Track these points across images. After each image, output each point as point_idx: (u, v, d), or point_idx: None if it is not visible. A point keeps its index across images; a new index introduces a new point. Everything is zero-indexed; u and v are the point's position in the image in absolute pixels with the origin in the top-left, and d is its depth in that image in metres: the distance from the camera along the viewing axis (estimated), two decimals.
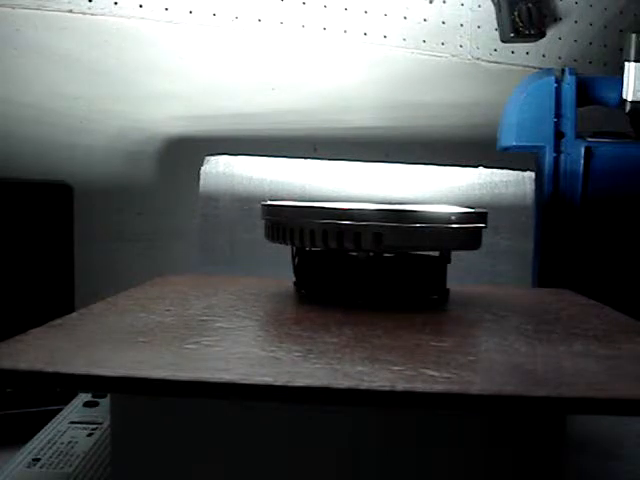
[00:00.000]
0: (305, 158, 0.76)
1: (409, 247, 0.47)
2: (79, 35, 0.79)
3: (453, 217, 0.46)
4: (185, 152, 0.83)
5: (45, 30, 0.78)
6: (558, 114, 0.77)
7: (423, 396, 0.28)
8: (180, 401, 0.34)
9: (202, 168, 0.73)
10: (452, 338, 0.39)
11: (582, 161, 0.76)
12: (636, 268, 0.76)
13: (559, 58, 0.93)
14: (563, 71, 0.79)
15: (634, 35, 0.77)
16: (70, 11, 0.78)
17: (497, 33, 0.90)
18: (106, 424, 0.47)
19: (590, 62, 0.94)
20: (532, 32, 0.88)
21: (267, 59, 0.86)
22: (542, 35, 0.89)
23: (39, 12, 0.78)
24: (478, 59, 0.91)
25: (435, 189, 0.75)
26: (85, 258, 0.77)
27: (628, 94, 0.76)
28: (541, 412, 0.34)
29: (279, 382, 0.28)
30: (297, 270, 0.51)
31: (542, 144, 0.77)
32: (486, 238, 0.49)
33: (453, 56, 0.90)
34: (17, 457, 0.42)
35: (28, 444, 0.44)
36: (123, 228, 0.84)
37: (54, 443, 0.44)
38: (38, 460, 0.42)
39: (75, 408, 0.51)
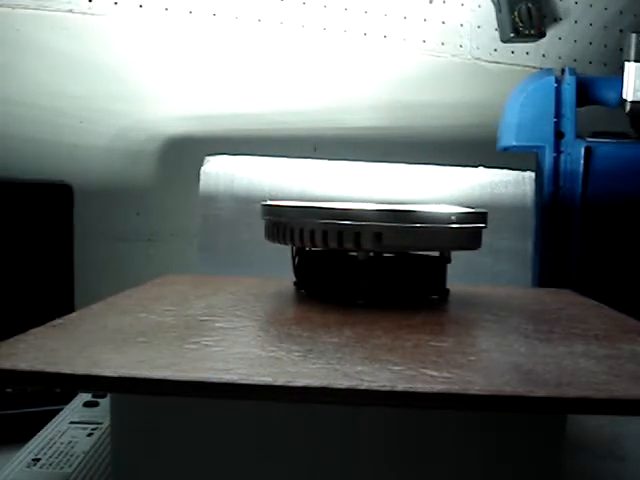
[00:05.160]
0: (305, 158, 0.76)
1: (409, 247, 0.47)
2: (79, 35, 0.79)
3: (453, 217, 0.46)
4: (185, 152, 0.83)
5: (45, 30, 0.78)
6: (558, 114, 0.77)
7: (423, 396, 0.28)
8: (180, 401, 0.34)
9: (202, 168, 0.73)
10: (452, 338, 0.39)
11: (582, 161, 0.76)
12: (636, 268, 0.76)
13: (559, 58, 0.93)
14: (563, 71, 0.79)
15: (634, 35, 0.77)
16: (70, 11, 0.79)
17: (497, 33, 0.90)
18: (106, 424, 0.47)
19: (590, 62, 0.94)
20: (532, 32, 0.88)
21: (267, 59, 0.86)
22: (542, 35, 0.89)
23: (39, 12, 0.78)
24: (478, 59, 0.91)
25: (435, 189, 0.75)
26: (85, 258, 0.77)
27: (628, 94, 0.76)
28: (541, 412, 0.34)
29: (279, 382, 0.28)
30: (297, 270, 0.51)
31: (542, 144, 0.77)
32: (486, 238, 0.49)
33: (453, 56, 0.90)
34: (17, 457, 0.42)
35: (28, 444, 0.44)
36: (123, 228, 0.84)
37: (54, 443, 0.44)
38: (38, 460, 0.42)
39: (75, 408, 0.51)
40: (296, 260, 0.51)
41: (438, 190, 0.75)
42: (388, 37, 0.88)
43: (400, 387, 0.28)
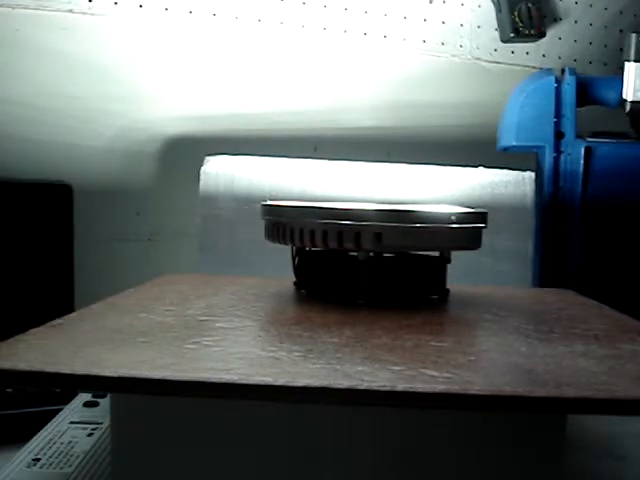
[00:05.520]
0: (305, 158, 0.76)
1: (409, 247, 0.47)
2: (79, 35, 0.79)
3: (453, 217, 0.46)
4: (185, 152, 0.83)
5: (45, 30, 0.78)
6: (558, 114, 0.77)
7: (423, 396, 0.28)
8: (180, 401, 0.34)
9: (202, 168, 0.73)
10: (452, 338, 0.39)
11: (582, 161, 0.76)
12: (636, 268, 0.76)
13: (559, 58, 0.93)
14: (563, 71, 0.79)
15: (634, 35, 0.77)
16: (70, 11, 0.78)
17: (497, 33, 0.90)
18: (106, 424, 0.47)
19: (590, 62, 0.94)
20: (532, 32, 0.88)
21: (267, 59, 0.86)
22: (542, 35, 0.89)
23: (39, 12, 0.78)
24: (478, 59, 0.91)
25: (435, 189, 0.75)
26: (85, 258, 0.77)
27: (628, 94, 0.76)
28: (541, 412, 0.34)
29: (279, 382, 0.28)
30: (297, 270, 0.51)
31: (542, 144, 0.77)
32: (486, 238, 0.49)
33: (453, 56, 0.90)
34: (17, 457, 0.42)
35: (28, 444, 0.44)
36: (123, 228, 0.84)
37: (54, 443, 0.44)
38: (38, 460, 0.42)
39: (75, 408, 0.51)
40: (296, 260, 0.51)
41: (438, 190, 0.75)
42: (388, 37, 0.88)
43: (400, 387, 0.28)
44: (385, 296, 0.47)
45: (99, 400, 0.52)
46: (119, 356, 0.32)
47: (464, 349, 0.37)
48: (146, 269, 0.83)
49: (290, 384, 0.28)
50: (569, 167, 0.76)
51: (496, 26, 0.90)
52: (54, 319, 0.39)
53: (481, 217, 0.48)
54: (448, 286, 0.50)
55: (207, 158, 0.74)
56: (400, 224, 0.44)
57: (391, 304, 0.46)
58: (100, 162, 0.82)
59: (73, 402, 0.52)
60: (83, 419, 0.49)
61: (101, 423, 0.48)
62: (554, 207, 0.77)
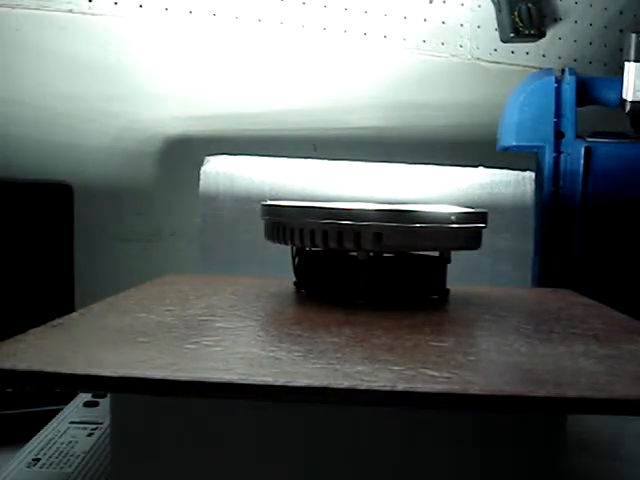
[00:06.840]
0: (305, 158, 0.76)
1: (409, 247, 0.47)
2: (79, 35, 0.79)
3: (453, 217, 0.46)
4: (185, 152, 0.83)
5: (45, 30, 0.78)
6: (558, 114, 0.77)
7: (423, 396, 0.28)
8: (180, 401, 0.34)
9: (202, 168, 0.73)
10: (452, 338, 0.39)
11: (582, 161, 0.76)
12: (636, 268, 0.76)
13: (559, 58, 0.93)
14: (563, 71, 0.79)
15: (634, 35, 0.77)
16: (70, 11, 0.79)
17: (497, 33, 0.90)
18: (106, 424, 0.47)
19: (590, 62, 0.94)
20: (532, 32, 0.88)
21: (267, 59, 0.86)
22: (542, 35, 0.89)
23: (39, 12, 0.78)
24: (478, 59, 0.91)
25: (435, 189, 0.75)
26: (85, 258, 0.77)
27: (628, 94, 0.76)
28: (541, 412, 0.34)
29: (279, 382, 0.28)
30: (297, 270, 0.51)
31: (542, 144, 0.77)
32: (486, 238, 0.49)
33: (453, 56, 0.90)
34: (17, 457, 0.42)
35: (28, 444, 0.44)
36: (123, 228, 0.84)
37: (54, 443, 0.44)
38: (38, 460, 0.42)
39: (75, 408, 0.51)
40: (296, 260, 0.51)
41: (438, 190, 0.75)
42: (388, 37, 0.88)
43: (400, 387, 0.28)
44: (385, 296, 0.47)
45: (99, 400, 0.52)
46: (119, 356, 0.32)
47: (464, 349, 0.37)
48: (146, 269, 0.83)
49: (290, 384, 0.28)
50: (569, 167, 0.76)
51: (496, 26, 0.90)
52: (54, 319, 0.39)
53: (481, 217, 0.48)
54: (448, 286, 0.50)
55: (207, 158, 0.74)
56: (400, 224, 0.44)
57: (391, 304, 0.46)
58: (100, 162, 0.82)
59: (73, 402, 0.52)
60: (83, 419, 0.49)
61: (101, 423, 0.48)
62: (554, 207, 0.77)
